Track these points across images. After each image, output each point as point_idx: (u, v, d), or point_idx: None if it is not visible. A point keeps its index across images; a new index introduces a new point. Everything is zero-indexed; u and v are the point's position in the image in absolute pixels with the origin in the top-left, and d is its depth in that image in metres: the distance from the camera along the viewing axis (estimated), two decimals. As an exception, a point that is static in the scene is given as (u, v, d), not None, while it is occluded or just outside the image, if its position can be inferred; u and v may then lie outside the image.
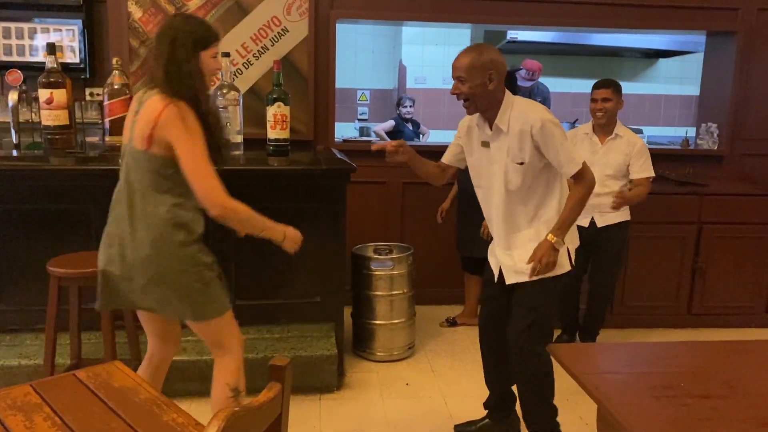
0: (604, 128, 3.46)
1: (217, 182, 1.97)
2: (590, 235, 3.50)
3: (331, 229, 3.22)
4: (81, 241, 3.04)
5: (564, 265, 2.46)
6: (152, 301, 2.08)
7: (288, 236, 2.16)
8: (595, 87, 3.46)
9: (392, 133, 5.45)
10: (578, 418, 3.00)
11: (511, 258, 2.50)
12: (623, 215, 3.51)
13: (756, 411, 1.50)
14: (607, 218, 3.48)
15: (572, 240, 2.51)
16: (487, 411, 2.84)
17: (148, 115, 1.99)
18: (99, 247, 2.16)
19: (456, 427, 2.87)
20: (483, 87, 2.33)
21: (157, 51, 2.04)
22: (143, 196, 2.04)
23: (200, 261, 2.07)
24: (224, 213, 1.98)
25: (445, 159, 2.70)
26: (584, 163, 2.38)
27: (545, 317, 2.52)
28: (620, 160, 3.43)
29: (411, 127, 5.52)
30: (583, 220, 3.51)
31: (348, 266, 3.54)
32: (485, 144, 2.46)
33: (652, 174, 3.47)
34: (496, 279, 2.58)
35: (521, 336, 2.49)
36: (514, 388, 2.71)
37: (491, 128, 2.42)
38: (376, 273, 3.49)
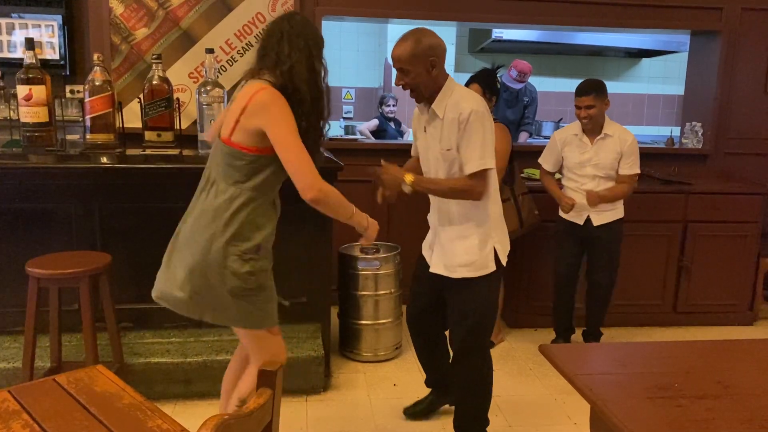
0: (592, 129, 3.45)
1: (314, 166, 1.94)
2: (586, 232, 3.50)
3: (318, 228, 3.18)
4: (61, 241, 2.98)
5: (489, 266, 2.43)
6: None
7: (371, 224, 2.15)
8: (577, 94, 3.41)
9: (376, 132, 5.42)
10: (567, 417, 2.99)
11: (442, 250, 2.48)
12: (619, 213, 3.51)
13: (750, 411, 1.49)
14: (603, 216, 3.48)
15: (502, 242, 2.48)
16: (430, 389, 2.92)
17: (241, 100, 1.94)
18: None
19: (405, 409, 2.92)
20: (427, 74, 2.30)
21: (288, 45, 1.98)
22: (215, 193, 1.99)
23: (240, 271, 1.97)
24: (321, 196, 1.93)
25: (413, 151, 2.71)
26: (488, 173, 2.32)
27: (481, 318, 2.50)
28: (611, 159, 3.42)
29: (393, 126, 5.50)
30: (578, 218, 3.51)
31: (335, 266, 3.50)
32: (426, 129, 2.45)
33: (638, 172, 3.47)
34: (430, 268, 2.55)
35: (457, 339, 2.53)
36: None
37: (428, 113, 2.41)
38: (363, 273, 3.45)
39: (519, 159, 3.73)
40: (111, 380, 1.62)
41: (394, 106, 5.46)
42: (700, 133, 4.48)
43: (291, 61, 1.97)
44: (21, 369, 2.69)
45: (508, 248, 2.53)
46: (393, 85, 2.48)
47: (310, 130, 2.00)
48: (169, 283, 2.01)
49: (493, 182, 2.42)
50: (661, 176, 4.23)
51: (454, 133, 2.30)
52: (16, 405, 1.47)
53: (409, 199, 2.72)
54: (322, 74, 2.05)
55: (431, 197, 2.52)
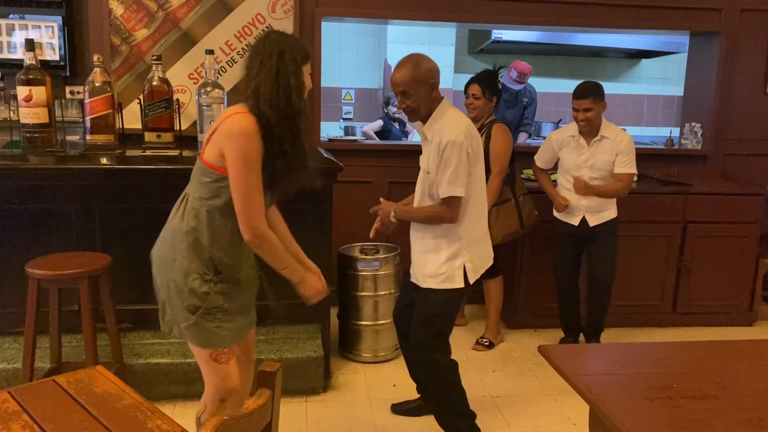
0: (590, 131, 3.45)
1: (260, 211, 1.93)
2: (583, 232, 3.50)
3: (318, 228, 3.18)
4: (61, 241, 2.98)
5: (455, 281, 2.52)
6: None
7: (306, 282, 2.13)
8: (575, 96, 3.40)
9: (380, 133, 5.42)
10: (566, 418, 2.99)
11: (414, 260, 2.62)
12: (613, 212, 3.52)
13: (750, 412, 1.49)
14: (599, 217, 3.48)
15: (474, 261, 2.55)
16: (420, 395, 2.98)
17: (217, 121, 1.95)
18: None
19: (392, 406, 2.99)
20: (427, 96, 2.43)
21: (258, 65, 1.92)
22: (182, 210, 2.01)
23: (193, 291, 1.97)
24: (256, 240, 1.95)
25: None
26: (458, 200, 2.42)
27: (432, 326, 2.59)
28: (608, 161, 3.42)
29: (398, 126, 5.50)
30: (574, 219, 3.51)
31: (334, 266, 3.50)
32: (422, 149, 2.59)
33: (634, 171, 3.44)
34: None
35: (416, 343, 2.63)
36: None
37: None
38: (363, 273, 3.45)
39: (519, 160, 3.74)
40: (111, 381, 1.62)
41: None
42: (699, 134, 4.49)
43: (257, 81, 1.91)
44: (21, 370, 2.69)
45: (485, 267, 2.63)
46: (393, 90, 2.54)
47: (285, 151, 1.93)
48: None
49: (476, 205, 2.52)
50: (660, 177, 4.24)
51: (434, 158, 2.43)
52: (16, 406, 1.47)
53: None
54: (301, 90, 1.95)
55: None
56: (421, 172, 2.55)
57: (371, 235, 2.70)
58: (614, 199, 3.50)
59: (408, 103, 2.43)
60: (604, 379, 1.67)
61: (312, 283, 2.16)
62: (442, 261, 2.51)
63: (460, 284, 2.53)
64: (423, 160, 2.54)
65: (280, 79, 1.90)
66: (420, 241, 2.58)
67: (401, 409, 2.99)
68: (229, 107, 2.00)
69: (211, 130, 1.96)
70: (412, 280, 2.64)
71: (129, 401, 1.52)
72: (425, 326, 2.59)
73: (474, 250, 2.55)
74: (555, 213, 3.59)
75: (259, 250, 2.01)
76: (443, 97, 2.50)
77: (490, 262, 2.67)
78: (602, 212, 3.48)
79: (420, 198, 2.57)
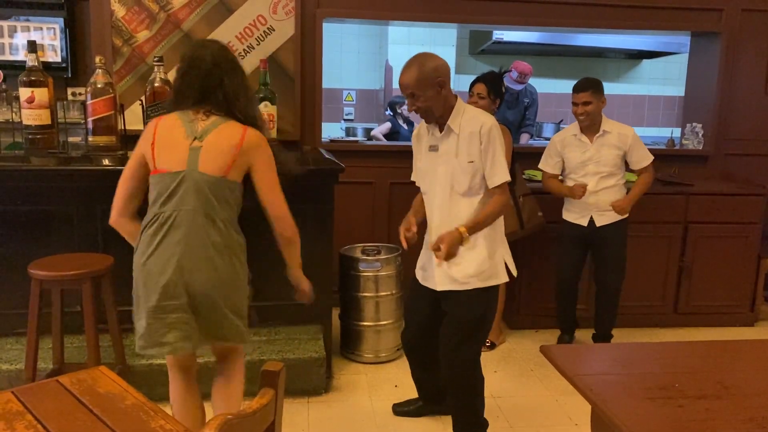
0: (590, 127, 3.47)
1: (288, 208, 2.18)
2: (590, 234, 3.50)
3: (319, 229, 3.19)
4: (63, 243, 2.99)
5: (499, 276, 2.50)
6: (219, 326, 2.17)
7: (302, 285, 2.38)
8: (575, 90, 3.44)
9: (389, 135, 5.41)
10: (567, 418, 2.99)
11: (448, 264, 2.47)
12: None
13: (751, 411, 1.49)
14: (606, 217, 3.49)
15: (507, 254, 2.58)
16: (421, 397, 2.96)
17: (228, 140, 2.08)
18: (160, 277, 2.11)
19: (394, 406, 2.98)
20: (437, 95, 2.38)
21: (219, 78, 2.10)
22: (222, 226, 2.11)
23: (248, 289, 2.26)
24: (295, 237, 2.23)
25: (413, 177, 2.70)
26: (507, 185, 2.44)
27: (478, 330, 2.55)
28: (613, 155, 3.43)
29: (406, 127, 5.50)
30: (582, 219, 3.51)
31: (336, 267, 3.51)
32: (433, 147, 2.50)
33: (652, 157, 3.49)
34: (423, 288, 2.59)
35: (453, 349, 2.53)
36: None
37: (441, 130, 2.46)
38: (364, 274, 3.46)
39: (520, 160, 3.74)
40: (114, 381, 1.62)
41: None
42: (700, 134, 4.49)
43: (228, 97, 2.12)
44: (23, 371, 2.70)
45: (512, 260, 2.62)
46: (397, 88, 2.53)
47: None
48: None
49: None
50: (661, 177, 4.24)
51: (476, 146, 2.39)
52: (20, 406, 1.48)
53: (408, 200, 2.75)
54: (253, 101, 2.28)
55: (432, 217, 2.54)
56: (445, 170, 2.44)
57: (405, 247, 2.55)
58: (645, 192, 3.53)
59: (418, 105, 2.39)
60: (606, 379, 1.68)
61: (307, 286, 2.40)
62: (483, 257, 2.44)
63: (505, 278, 2.52)
64: (447, 155, 2.43)
65: (242, 94, 2.15)
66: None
67: (402, 410, 2.98)
68: (222, 125, 2.10)
69: (224, 150, 2.07)
70: (444, 288, 2.50)
71: (132, 401, 1.52)
72: (474, 332, 2.51)
73: (505, 243, 2.56)
74: (565, 215, 3.59)
75: (297, 244, 2.27)
76: (458, 96, 2.47)
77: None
78: (610, 211, 3.48)
79: (457, 190, 2.44)
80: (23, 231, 3.03)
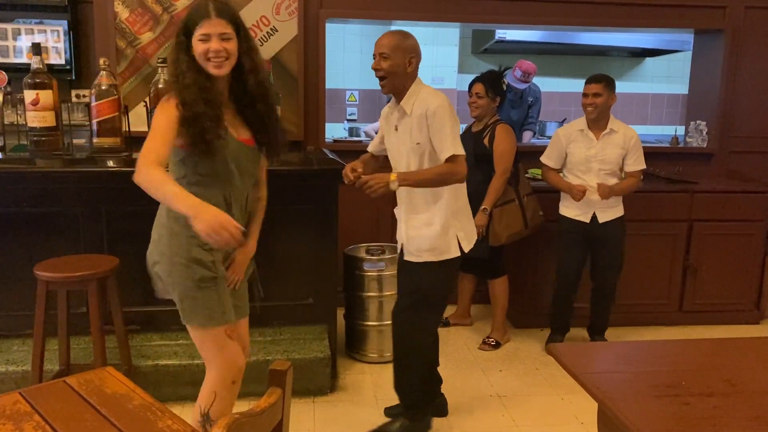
0: (597, 123, 3.46)
1: (151, 153, 1.87)
2: (593, 230, 3.50)
3: (323, 229, 3.19)
4: (69, 244, 3.00)
5: (450, 251, 2.59)
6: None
7: (201, 216, 1.73)
8: (587, 82, 3.46)
9: None
10: (573, 417, 2.99)
11: (408, 237, 2.64)
12: (621, 209, 3.53)
13: (758, 409, 1.49)
14: (608, 213, 3.49)
15: (464, 229, 2.64)
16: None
17: None
18: None
19: (386, 409, 2.94)
20: (402, 68, 2.49)
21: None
22: None
23: (194, 256, 2.00)
24: (139, 179, 1.86)
25: (370, 147, 2.87)
26: (461, 157, 2.47)
27: (427, 299, 2.65)
28: (617, 155, 3.43)
29: None
30: (584, 216, 3.50)
31: (340, 267, 3.51)
32: (396, 127, 2.60)
33: (644, 166, 3.50)
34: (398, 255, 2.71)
35: (401, 315, 2.68)
36: (439, 369, 2.92)
37: (398, 111, 2.58)
38: (369, 274, 3.46)
39: (523, 159, 3.74)
40: (121, 382, 1.63)
41: None
42: (704, 132, 4.48)
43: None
44: (30, 372, 2.71)
45: (474, 238, 2.70)
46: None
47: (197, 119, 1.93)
48: None
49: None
50: (665, 175, 4.23)
51: (424, 128, 2.48)
52: (28, 406, 1.48)
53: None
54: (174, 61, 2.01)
55: (399, 192, 2.63)
56: (405, 149, 2.55)
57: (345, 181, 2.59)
58: (620, 196, 3.52)
59: (383, 66, 2.48)
60: (613, 377, 1.67)
61: (212, 218, 1.74)
62: (436, 234, 2.56)
63: (457, 253, 2.60)
64: (404, 135, 2.55)
65: (170, 58, 2.02)
66: (414, 217, 2.61)
67: (393, 413, 2.90)
68: None
69: None
70: (408, 258, 2.64)
71: (139, 402, 1.52)
72: (422, 300, 2.62)
73: (461, 220, 2.63)
74: (564, 212, 3.58)
75: (147, 187, 1.89)
76: (418, 77, 2.56)
77: (476, 235, 2.75)
78: (612, 208, 3.48)
79: (411, 170, 2.56)
80: (29, 233, 3.04)
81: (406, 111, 2.53)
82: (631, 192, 3.53)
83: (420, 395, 2.77)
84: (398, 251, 2.74)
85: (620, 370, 1.75)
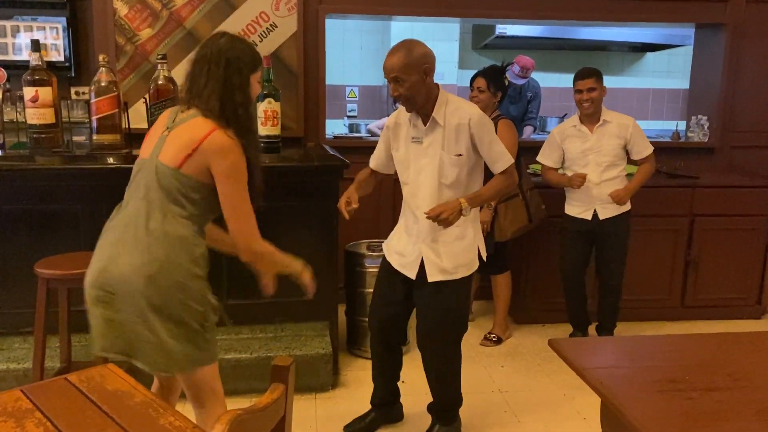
0: (591, 117, 3.45)
1: (255, 226, 1.93)
2: (593, 227, 3.49)
3: (324, 226, 3.19)
4: (69, 242, 2.99)
5: (476, 262, 2.53)
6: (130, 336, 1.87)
7: (305, 269, 2.13)
8: (578, 78, 3.43)
9: None
10: (576, 412, 2.99)
11: (438, 255, 2.47)
12: (625, 206, 3.50)
13: (762, 403, 1.48)
14: (609, 210, 3.47)
15: (481, 238, 2.58)
16: (372, 406, 2.84)
17: (191, 134, 1.86)
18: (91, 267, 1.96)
19: (345, 427, 2.80)
20: (421, 84, 2.33)
21: (206, 73, 1.90)
22: (164, 216, 1.86)
23: (208, 300, 1.91)
24: (255, 260, 1.98)
25: (373, 165, 2.70)
26: (513, 166, 2.45)
27: (460, 314, 2.58)
28: (614, 145, 3.42)
29: None
30: (586, 213, 3.49)
31: (341, 264, 3.50)
32: (416, 139, 2.46)
33: (652, 148, 3.48)
34: (414, 276, 2.53)
35: (438, 336, 2.54)
36: (399, 383, 2.86)
37: (425, 123, 2.42)
38: (370, 270, 3.45)
39: (525, 154, 3.73)
40: (122, 378, 1.62)
41: None
42: (706, 127, 4.47)
43: (206, 92, 1.89)
44: (31, 369, 2.70)
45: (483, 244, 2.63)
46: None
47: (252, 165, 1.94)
48: None
49: (477, 184, 2.51)
50: (667, 170, 4.22)
51: (464, 137, 2.37)
52: (29, 404, 1.48)
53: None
54: (247, 104, 1.93)
55: (419, 207, 2.48)
56: (429, 162, 2.42)
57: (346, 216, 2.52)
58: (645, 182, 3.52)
59: (401, 91, 2.33)
60: (615, 372, 1.67)
61: (310, 272, 2.13)
62: (469, 246, 2.49)
63: (477, 263, 2.54)
64: (432, 148, 2.41)
65: (233, 91, 1.89)
66: (444, 233, 2.45)
67: (354, 429, 2.81)
68: (194, 119, 1.90)
69: (183, 143, 1.87)
70: (434, 279, 2.47)
71: (141, 398, 1.52)
72: (457, 317, 2.54)
73: (477, 229, 2.59)
74: (567, 210, 3.58)
75: (259, 264, 2.04)
76: (440, 85, 2.44)
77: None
78: (613, 204, 3.46)
79: (443, 182, 2.42)
80: (29, 230, 3.03)
81: (438, 121, 2.38)
82: (648, 179, 3.49)
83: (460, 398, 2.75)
84: (409, 273, 2.54)
85: (623, 365, 1.75)
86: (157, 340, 1.83)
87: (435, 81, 2.42)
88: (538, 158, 3.65)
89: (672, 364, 1.71)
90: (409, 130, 2.48)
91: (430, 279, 2.48)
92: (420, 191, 2.49)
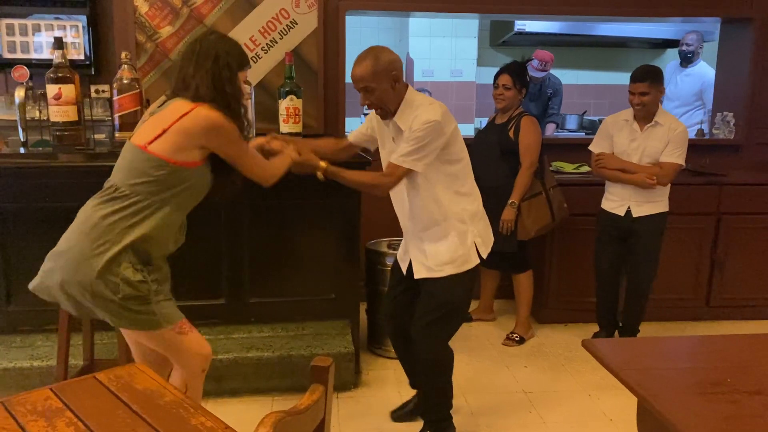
0: (645, 116, 3.36)
1: (262, 164, 2.18)
2: (626, 224, 3.42)
3: (346, 224, 3.16)
4: (92, 239, 2.98)
5: (471, 260, 2.48)
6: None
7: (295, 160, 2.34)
8: (632, 80, 3.32)
9: None
10: (602, 413, 2.94)
11: (424, 254, 2.49)
12: (661, 206, 3.42)
13: (811, 406, 1.43)
14: (644, 208, 3.40)
15: (481, 235, 2.52)
16: (416, 390, 2.85)
17: (171, 114, 1.97)
18: None
19: (392, 413, 2.87)
20: (391, 90, 2.32)
21: (194, 64, 2.00)
22: (135, 195, 2.04)
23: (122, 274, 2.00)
24: (276, 176, 2.23)
25: (351, 137, 2.73)
26: (405, 173, 2.34)
27: (454, 312, 2.55)
28: (659, 148, 3.33)
29: None
30: (620, 209, 3.43)
31: (362, 262, 3.48)
32: (396, 140, 2.45)
33: (681, 162, 3.33)
34: (405, 273, 2.60)
35: (424, 331, 2.52)
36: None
37: (393, 127, 2.43)
38: (390, 268, 3.41)
39: (547, 152, 3.68)
40: (151, 378, 1.60)
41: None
42: (732, 123, 4.39)
43: (195, 82, 1.98)
44: (54, 367, 2.70)
45: (491, 241, 2.58)
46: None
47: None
48: None
49: (462, 180, 2.46)
50: (692, 168, 4.14)
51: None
52: (59, 403, 1.46)
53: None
54: (238, 96, 2.04)
55: (401, 207, 2.54)
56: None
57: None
58: (665, 191, 3.41)
59: (372, 100, 2.32)
60: (653, 374, 1.63)
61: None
62: (456, 245, 2.45)
63: (476, 261, 2.50)
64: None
65: (216, 83, 1.98)
66: (425, 233, 2.48)
67: (401, 414, 2.86)
68: (174, 102, 2.01)
69: (158, 123, 1.98)
70: (420, 276, 2.51)
71: (170, 398, 1.50)
72: (447, 314, 2.52)
73: (478, 225, 2.52)
74: (603, 204, 3.51)
75: (284, 168, 2.29)
76: (408, 85, 2.41)
77: (492, 238, 2.61)
78: (648, 203, 3.38)
79: (410, 184, 2.45)
80: (52, 228, 3.00)
81: (401, 128, 2.36)
82: (649, 183, 3.31)
83: (450, 405, 2.70)
84: (405, 271, 2.60)
85: (660, 366, 1.70)
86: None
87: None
88: (591, 147, 3.55)
89: (712, 366, 1.66)
90: (390, 130, 2.48)
91: (416, 276, 2.52)
92: (400, 193, 2.52)
